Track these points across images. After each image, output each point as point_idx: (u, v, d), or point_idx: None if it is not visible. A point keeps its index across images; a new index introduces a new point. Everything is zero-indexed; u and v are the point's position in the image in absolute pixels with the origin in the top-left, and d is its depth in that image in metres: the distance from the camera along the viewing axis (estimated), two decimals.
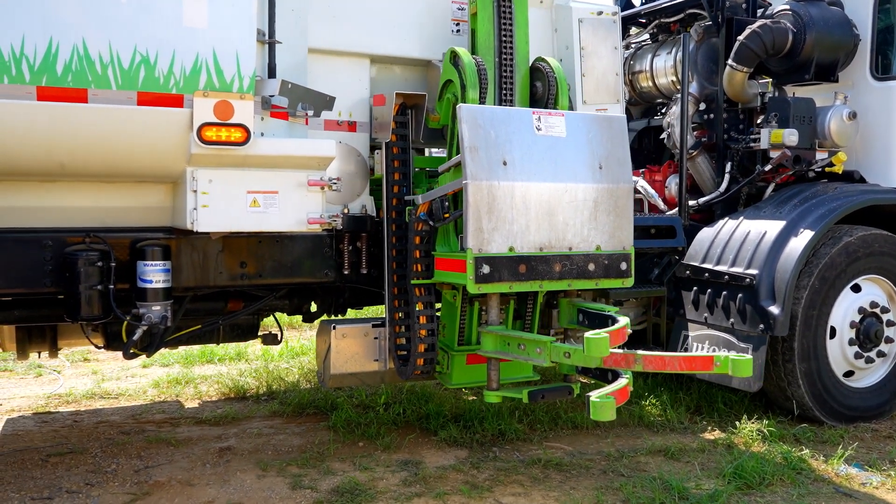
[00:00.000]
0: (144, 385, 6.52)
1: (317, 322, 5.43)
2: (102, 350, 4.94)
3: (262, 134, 4.06)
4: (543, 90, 4.69)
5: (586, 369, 4.58)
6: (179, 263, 4.39)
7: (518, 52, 4.67)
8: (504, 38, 4.64)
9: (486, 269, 4.13)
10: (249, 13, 3.85)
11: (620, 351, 3.91)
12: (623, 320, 4.13)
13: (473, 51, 4.67)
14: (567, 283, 4.39)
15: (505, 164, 4.22)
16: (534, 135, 4.33)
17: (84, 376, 6.91)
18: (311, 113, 4.31)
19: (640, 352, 3.90)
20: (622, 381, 3.98)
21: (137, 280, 4.20)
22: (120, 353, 4.58)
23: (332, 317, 5.39)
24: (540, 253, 4.29)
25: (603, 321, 4.32)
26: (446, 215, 4.34)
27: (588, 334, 3.71)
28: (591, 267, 4.41)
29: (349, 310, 5.55)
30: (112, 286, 4.14)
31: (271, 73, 4.12)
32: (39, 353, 5.17)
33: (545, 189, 4.31)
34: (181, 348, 6.52)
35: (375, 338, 4.90)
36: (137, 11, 3.62)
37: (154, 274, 4.19)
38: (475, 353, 4.62)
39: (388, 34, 4.85)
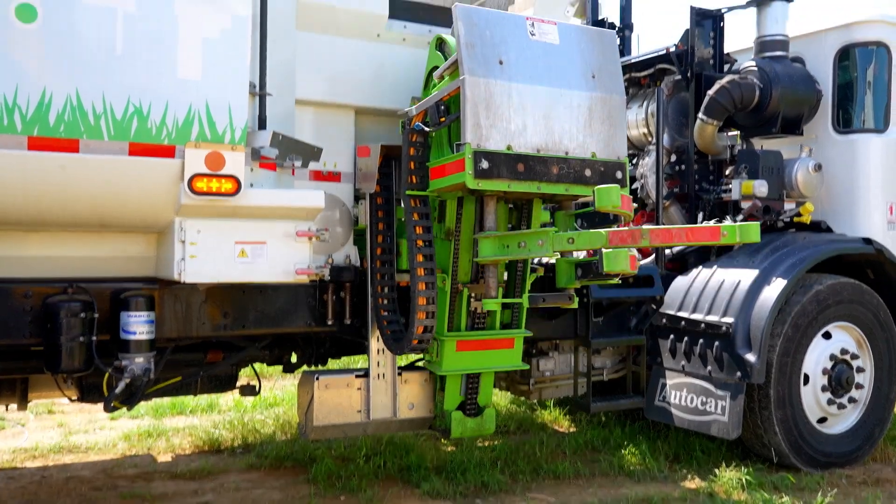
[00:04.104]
0: (114, 438, 6.34)
1: (297, 372, 5.38)
2: (69, 402, 4.81)
3: (252, 184, 4.06)
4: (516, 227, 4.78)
5: (586, 271, 4.44)
6: (163, 314, 4.34)
7: None
8: None
9: (484, 163, 4.06)
10: (242, 66, 3.88)
11: (626, 228, 3.93)
12: None
13: None
14: (564, 187, 4.31)
15: (501, 63, 4.22)
16: (528, 39, 4.35)
17: (50, 429, 6.70)
18: (298, 164, 4.32)
19: (645, 226, 3.91)
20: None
21: (120, 331, 4.12)
22: (87, 405, 4.48)
23: (314, 367, 5.34)
24: (537, 154, 4.25)
25: (604, 218, 4.34)
26: (442, 119, 4.29)
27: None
28: (588, 173, 4.37)
29: (329, 360, 5.50)
30: (94, 338, 4.06)
31: (261, 124, 4.14)
32: (7, 405, 5.02)
33: (541, 92, 4.30)
34: (151, 398, 6.38)
35: (359, 388, 4.87)
36: (132, 63, 3.62)
37: (138, 325, 4.12)
38: (465, 339, 4.64)
39: (372, 86, 4.92)
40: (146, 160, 3.71)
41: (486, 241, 4.34)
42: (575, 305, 4.69)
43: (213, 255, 3.99)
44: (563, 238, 3.99)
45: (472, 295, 4.61)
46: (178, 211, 3.89)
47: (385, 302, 4.77)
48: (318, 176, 4.81)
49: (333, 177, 4.89)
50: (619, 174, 4.45)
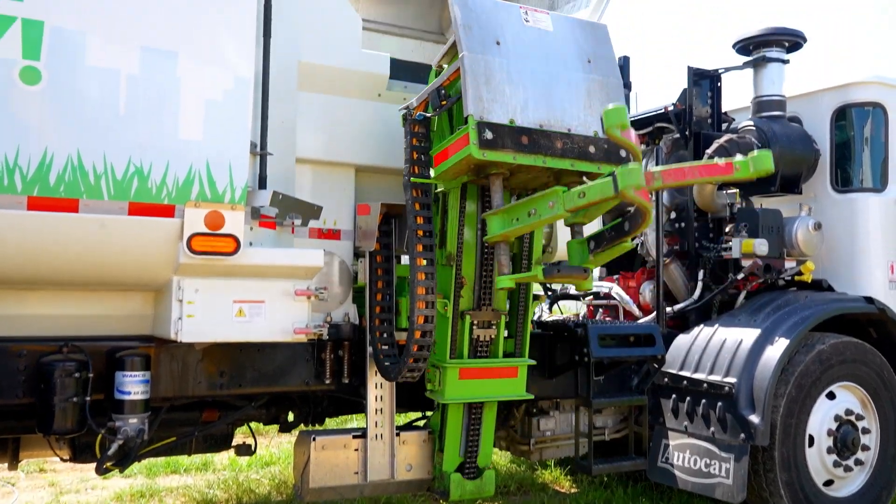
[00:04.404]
0: (106, 498, 6.21)
1: (294, 431, 5.29)
2: (61, 461, 4.72)
3: (251, 243, 4.05)
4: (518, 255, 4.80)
5: (599, 240, 4.28)
6: (158, 373, 4.29)
7: None
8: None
9: (489, 134, 4.02)
10: (244, 126, 3.90)
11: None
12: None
13: None
14: (570, 162, 4.24)
15: (498, 43, 4.23)
16: (523, 24, 4.39)
17: (40, 489, 6.56)
18: (298, 222, 4.32)
19: (657, 168, 3.77)
20: None
21: (115, 391, 4.07)
22: (81, 465, 4.39)
23: (310, 426, 5.26)
24: (541, 129, 4.21)
25: (618, 231, 4.18)
26: (443, 102, 4.33)
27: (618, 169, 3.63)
28: (592, 149, 4.30)
29: (326, 419, 5.42)
30: (88, 398, 4.00)
31: (262, 183, 4.15)
32: None
33: (539, 71, 4.30)
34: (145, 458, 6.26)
35: (356, 449, 4.79)
36: (134, 123, 3.65)
37: (133, 385, 4.07)
38: (468, 366, 4.56)
39: (373, 145, 4.95)
40: (146, 220, 3.70)
41: (494, 218, 4.20)
42: (590, 286, 4.42)
43: (210, 314, 3.96)
44: (573, 194, 3.83)
45: (475, 322, 4.59)
46: (177, 270, 3.88)
47: (383, 337, 4.72)
48: (318, 234, 4.81)
49: (333, 234, 4.89)
50: (623, 153, 4.38)
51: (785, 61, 6.46)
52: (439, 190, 4.80)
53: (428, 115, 4.41)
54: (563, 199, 3.87)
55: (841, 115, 6.38)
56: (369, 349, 4.75)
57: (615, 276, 6.82)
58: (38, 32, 3.47)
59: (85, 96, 3.58)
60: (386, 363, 4.61)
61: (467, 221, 4.62)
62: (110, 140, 3.60)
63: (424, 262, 4.32)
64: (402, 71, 5.06)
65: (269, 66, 4.19)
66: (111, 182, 3.61)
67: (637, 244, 6.63)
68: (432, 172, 4.51)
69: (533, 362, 4.88)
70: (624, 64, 7.75)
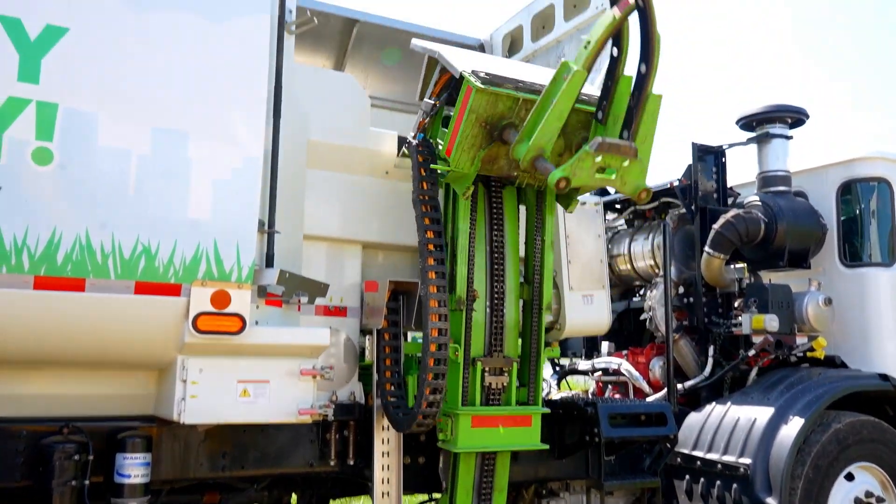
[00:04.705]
0: None
1: None
2: None
3: (257, 322, 4.01)
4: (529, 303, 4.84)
5: None
6: (159, 455, 4.20)
7: (508, 243, 4.78)
8: (495, 230, 4.75)
9: (484, 75, 4.21)
10: (252, 205, 3.91)
11: None
12: None
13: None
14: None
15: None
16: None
17: None
18: (305, 300, 4.28)
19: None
20: None
21: (115, 474, 3.98)
22: None
23: None
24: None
25: None
26: (437, 104, 4.66)
27: None
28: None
29: (330, 501, 5.28)
30: (87, 481, 3.90)
31: (269, 262, 4.13)
32: None
33: (515, 63, 5.21)
34: None
35: None
36: (143, 203, 3.66)
37: (133, 468, 3.97)
38: (481, 414, 4.48)
39: (380, 222, 4.95)
40: (152, 299, 3.68)
41: (520, 142, 4.09)
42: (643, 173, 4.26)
43: (214, 394, 3.90)
44: (579, 53, 3.96)
45: (486, 369, 4.54)
46: (181, 349, 3.83)
47: (391, 388, 4.68)
48: (325, 311, 4.76)
49: (340, 311, 4.85)
50: None
51: (788, 137, 6.52)
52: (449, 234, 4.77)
53: (429, 118, 4.67)
54: (573, 63, 3.95)
55: (846, 190, 6.40)
56: (377, 400, 4.67)
57: (624, 352, 6.75)
58: (52, 114, 3.51)
59: (96, 176, 3.60)
60: (398, 413, 4.55)
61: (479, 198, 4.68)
62: (119, 219, 3.60)
63: (437, 303, 4.31)
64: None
65: (279, 144, 4.22)
66: (118, 261, 3.59)
67: (646, 318, 6.57)
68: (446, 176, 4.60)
69: (547, 410, 4.80)
70: None
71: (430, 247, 4.42)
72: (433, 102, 4.65)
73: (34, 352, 3.71)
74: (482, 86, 4.13)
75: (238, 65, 3.92)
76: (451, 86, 4.64)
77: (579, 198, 5.57)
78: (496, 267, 4.71)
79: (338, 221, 4.82)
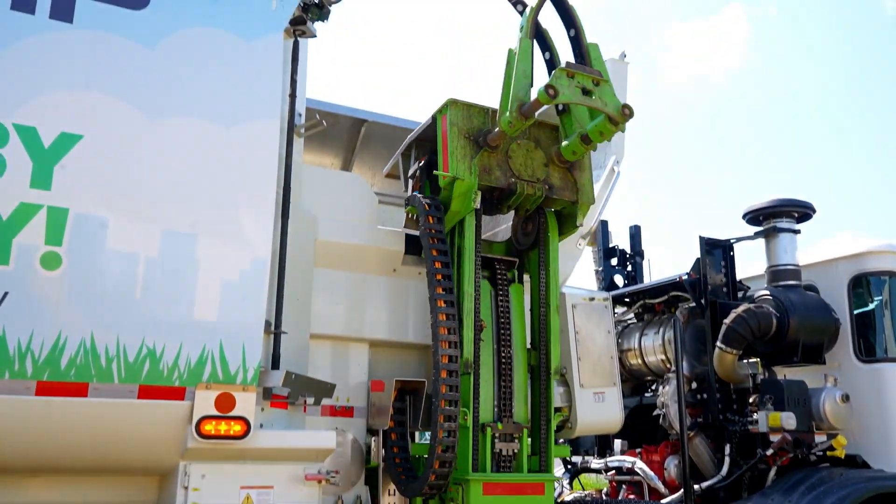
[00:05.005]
0: None
1: None
2: None
3: (262, 425, 3.93)
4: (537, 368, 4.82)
5: None
6: None
7: (515, 338, 4.75)
8: (502, 325, 4.72)
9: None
10: (259, 307, 3.88)
11: None
12: None
13: None
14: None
15: None
16: None
17: None
18: (311, 401, 4.22)
19: None
20: None
21: None
22: None
23: None
24: None
25: None
26: (422, 160, 5.13)
27: None
28: None
29: None
30: None
31: (275, 363, 4.08)
32: None
33: None
34: None
35: None
36: (149, 306, 3.64)
37: None
38: (492, 481, 4.37)
39: (388, 320, 4.92)
40: (155, 403, 3.61)
41: (503, 112, 4.58)
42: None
43: (216, 501, 3.77)
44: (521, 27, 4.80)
45: (496, 435, 4.48)
46: (184, 454, 3.74)
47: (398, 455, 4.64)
48: (331, 411, 4.69)
49: (346, 412, 4.77)
50: None
51: (796, 231, 6.51)
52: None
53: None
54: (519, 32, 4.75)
55: (857, 284, 6.35)
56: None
57: (638, 450, 6.57)
58: (63, 219, 3.53)
59: (103, 279, 3.59)
60: (407, 482, 4.46)
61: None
62: (125, 322, 3.58)
63: (447, 374, 4.31)
64: (418, 247, 5.11)
65: (287, 245, 4.23)
66: (123, 364, 3.55)
67: (659, 415, 6.43)
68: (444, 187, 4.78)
69: (559, 477, 4.65)
70: (635, 233, 7.88)
71: (439, 276, 4.59)
72: (418, 165, 5.07)
73: (33, 459, 3.62)
74: (453, 99, 4.71)
75: (248, 168, 3.96)
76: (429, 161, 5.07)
77: (587, 293, 5.57)
78: (503, 332, 4.74)
79: (345, 320, 4.79)
